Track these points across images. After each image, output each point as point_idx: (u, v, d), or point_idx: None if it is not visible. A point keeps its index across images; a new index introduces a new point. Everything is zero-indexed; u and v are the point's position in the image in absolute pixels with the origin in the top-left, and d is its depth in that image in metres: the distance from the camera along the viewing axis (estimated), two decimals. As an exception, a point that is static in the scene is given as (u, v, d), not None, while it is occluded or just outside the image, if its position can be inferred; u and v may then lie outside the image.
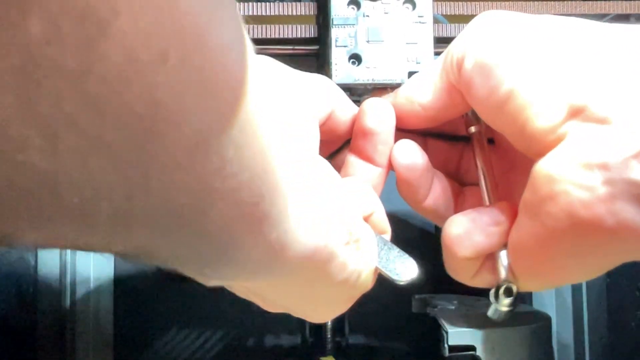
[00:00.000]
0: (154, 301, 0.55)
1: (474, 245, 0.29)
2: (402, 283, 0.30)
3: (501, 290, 0.29)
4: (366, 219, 0.31)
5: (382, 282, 0.31)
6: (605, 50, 0.25)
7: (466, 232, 0.29)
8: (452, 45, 0.30)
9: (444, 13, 0.39)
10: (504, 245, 0.29)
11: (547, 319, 0.50)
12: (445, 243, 0.30)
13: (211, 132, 0.16)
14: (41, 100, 0.12)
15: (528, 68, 0.26)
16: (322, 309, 0.32)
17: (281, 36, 0.39)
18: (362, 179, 0.33)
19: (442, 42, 0.39)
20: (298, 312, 0.32)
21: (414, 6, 0.36)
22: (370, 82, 0.36)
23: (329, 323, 0.53)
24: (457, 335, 0.44)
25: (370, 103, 0.33)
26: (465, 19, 0.39)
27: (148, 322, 0.55)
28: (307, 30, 0.39)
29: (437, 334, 0.47)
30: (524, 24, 0.28)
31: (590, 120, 0.24)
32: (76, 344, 0.55)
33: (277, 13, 0.39)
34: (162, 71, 0.14)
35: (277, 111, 0.29)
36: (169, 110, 0.14)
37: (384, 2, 0.36)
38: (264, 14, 0.39)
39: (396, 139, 0.33)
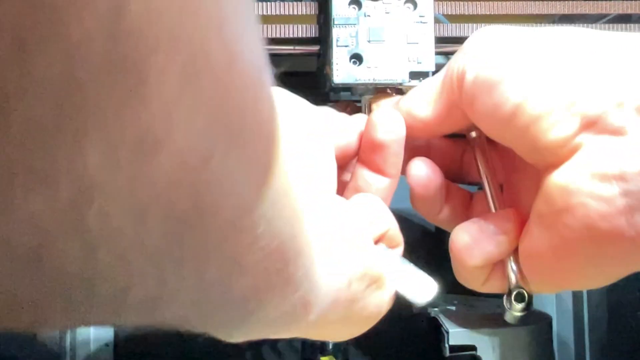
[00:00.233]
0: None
1: (482, 255, 0.29)
2: (420, 304, 0.30)
3: (513, 296, 0.30)
4: (382, 236, 0.30)
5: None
6: (612, 60, 0.25)
7: (474, 241, 0.30)
8: (451, 63, 0.30)
9: (445, 13, 0.39)
10: (513, 252, 0.29)
11: (547, 319, 0.50)
12: (453, 253, 0.30)
13: (244, 212, 0.16)
14: (90, 219, 0.12)
15: (534, 81, 0.26)
16: (344, 335, 0.31)
17: (282, 36, 0.39)
18: (373, 191, 0.32)
19: (443, 42, 0.39)
20: (320, 338, 0.31)
21: (415, 6, 0.36)
22: (371, 82, 0.35)
23: (329, 323, 0.53)
24: (457, 335, 0.44)
25: (379, 115, 0.32)
26: (466, 18, 0.39)
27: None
28: (308, 30, 0.39)
29: (437, 334, 0.47)
30: (524, 38, 0.28)
31: (605, 132, 0.24)
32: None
33: (277, 13, 0.39)
34: (207, 170, 0.13)
35: (300, 157, 0.29)
36: (207, 202, 0.14)
37: (385, 2, 0.36)
38: (264, 13, 0.39)
39: None
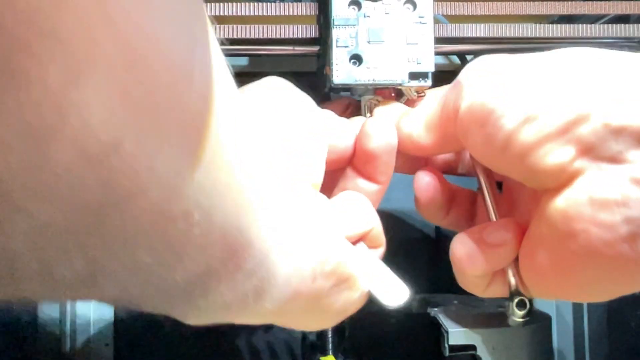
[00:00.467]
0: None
1: (482, 265, 0.30)
2: (391, 307, 0.30)
3: (514, 304, 0.30)
4: (364, 236, 0.31)
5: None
6: (606, 84, 0.25)
7: (474, 252, 0.30)
8: (447, 93, 0.30)
9: (445, 13, 0.39)
10: (513, 260, 0.30)
11: (547, 319, 0.50)
12: (454, 263, 0.31)
13: (171, 199, 0.16)
14: None
15: (526, 109, 0.26)
16: (310, 326, 0.32)
17: (281, 36, 0.39)
18: (362, 193, 0.32)
19: (442, 42, 0.39)
20: (285, 325, 0.31)
21: (415, 7, 0.36)
22: (371, 82, 0.36)
23: (329, 323, 0.53)
24: (457, 335, 0.44)
25: (371, 125, 0.32)
26: (466, 19, 0.39)
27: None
28: (307, 31, 0.39)
29: (437, 334, 0.47)
30: (517, 66, 0.27)
31: (602, 159, 0.24)
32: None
33: (277, 13, 0.39)
34: (116, 156, 0.14)
35: (293, 152, 0.29)
36: (123, 187, 0.14)
37: (384, 2, 0.36)
38: (264, 14, 0.39)
39: None
